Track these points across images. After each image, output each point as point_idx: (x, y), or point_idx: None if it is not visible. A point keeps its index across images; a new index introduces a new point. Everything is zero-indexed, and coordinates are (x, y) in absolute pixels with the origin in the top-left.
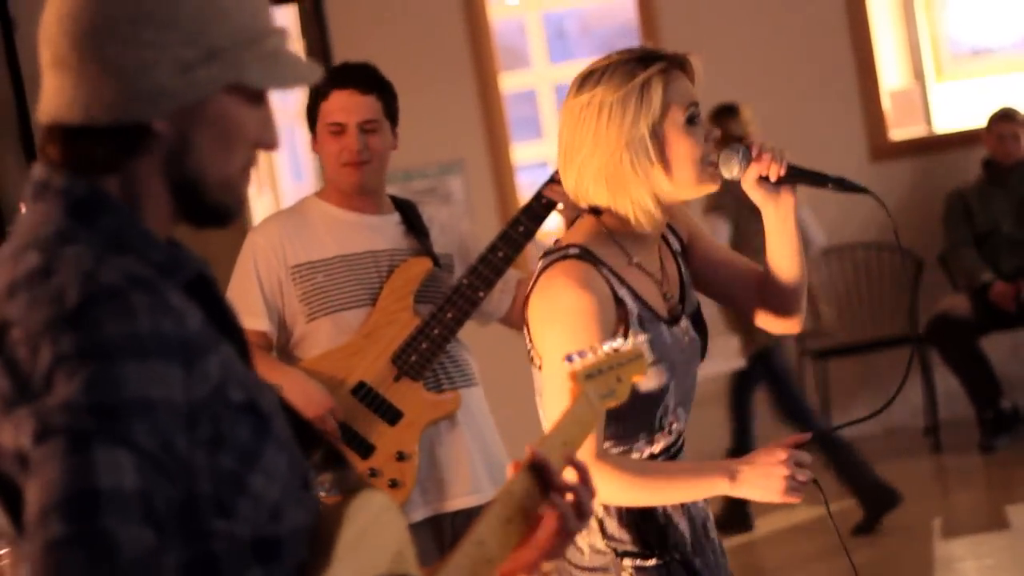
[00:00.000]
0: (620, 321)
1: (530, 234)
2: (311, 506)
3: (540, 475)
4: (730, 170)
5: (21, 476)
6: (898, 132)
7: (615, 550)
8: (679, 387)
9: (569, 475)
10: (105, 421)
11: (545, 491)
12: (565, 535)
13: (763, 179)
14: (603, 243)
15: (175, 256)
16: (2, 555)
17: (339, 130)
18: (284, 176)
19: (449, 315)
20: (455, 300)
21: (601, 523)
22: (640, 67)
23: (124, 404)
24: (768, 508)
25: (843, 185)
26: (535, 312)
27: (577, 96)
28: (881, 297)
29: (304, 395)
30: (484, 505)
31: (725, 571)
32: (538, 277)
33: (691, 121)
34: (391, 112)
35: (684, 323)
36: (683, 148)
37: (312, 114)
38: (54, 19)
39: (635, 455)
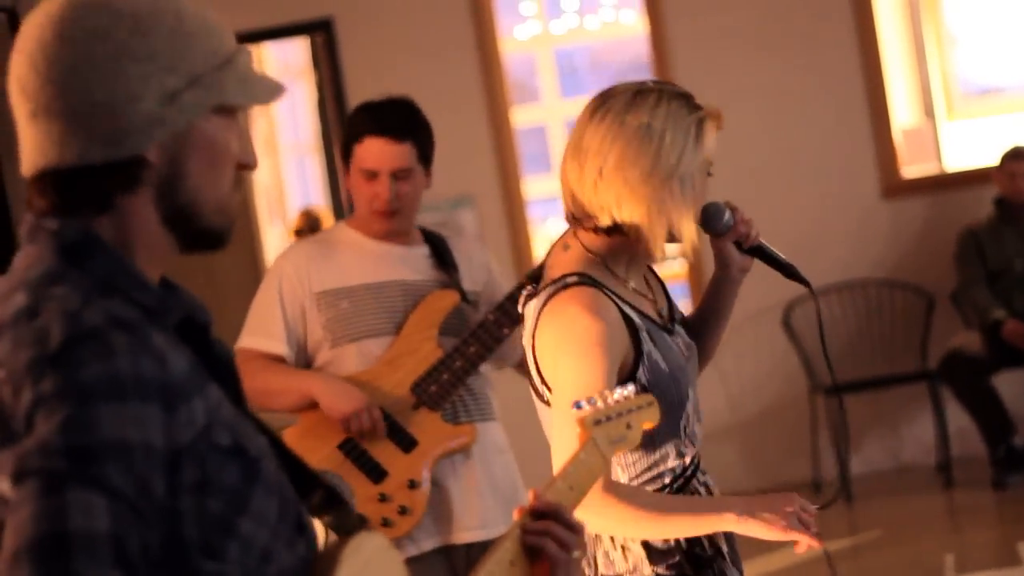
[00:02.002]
0: (634, 342)
1: None
2: (304, 549)
3: (544, 519)
4: (714, 225)
5: (4, 517)
6: (910, 170)
7: None
8: (692, 395)
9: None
10: (79, 463)
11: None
12: (562, 575)
13: (736, 242)
14: (599, 270)
15: (164, 299)
16: None
17: (371, 176)
18: (294, 206)
19: (472, 349)
20: (479, 335)
21: (647, 546)
22: (690, 104)
23: (99, 446)
24: (777, 542)
25: (791, 273)
26: (544, 342)
27: (632, 113)
28: (893, 334)
29: (341, 393)
30: (490, 544)
31: None
32: (540, 312)
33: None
34: (425, 155)
35: (679, 332)
36: (702, 196)
37: (347, 151)
38: (30, 71)
39: (669, 466)
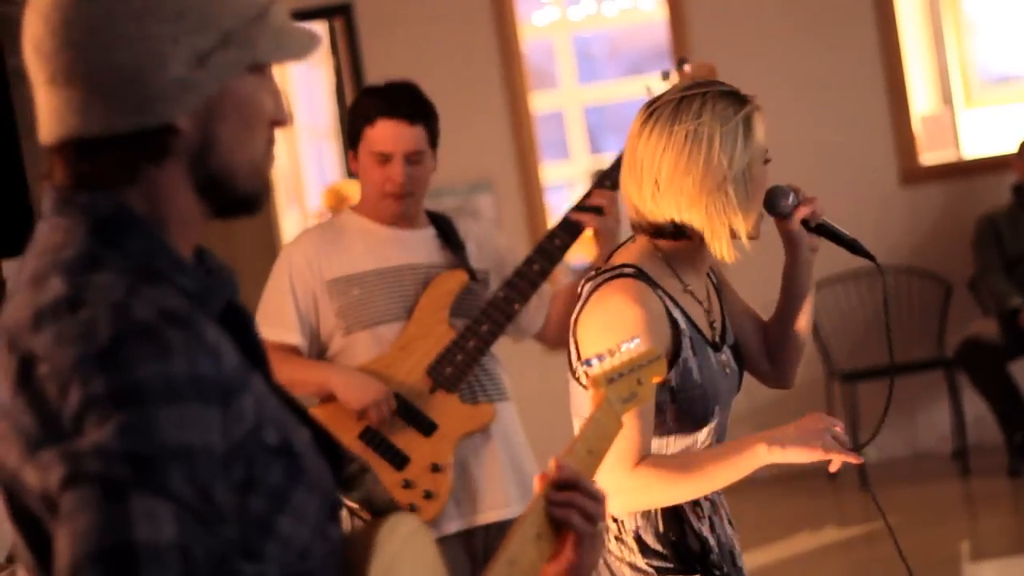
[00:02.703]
0: (674, 342)
1: (566, 247)
2: (337, 536)
3: (567, 487)
4: (780, 207)
5: (48, 517)
6: (929, 156)
7: (656, 568)
8: (720, 415)
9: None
10: (141, 469)
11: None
12: (589, 545)
13: (803, 222)
14: (657, 266)
15: (207, 282)
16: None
17: (384, 159)
18: (312, 191)
19: (484, 328)
20: (491, 313)
21: (640, 541)
22: (736, 101)
23: (161, 451)
24: (793, 528)
25: (856, 248)
26: (586, 327)
27: (678, 122)
28: (911, 321)
29: (358, 384)
30: (509, 524)
31: None
32: (589, 296)
33: (766, 162)
34: (434, 138)
35: (726, 352)
36: (762, 185)
37: (355, 134)
38: (46, 32)
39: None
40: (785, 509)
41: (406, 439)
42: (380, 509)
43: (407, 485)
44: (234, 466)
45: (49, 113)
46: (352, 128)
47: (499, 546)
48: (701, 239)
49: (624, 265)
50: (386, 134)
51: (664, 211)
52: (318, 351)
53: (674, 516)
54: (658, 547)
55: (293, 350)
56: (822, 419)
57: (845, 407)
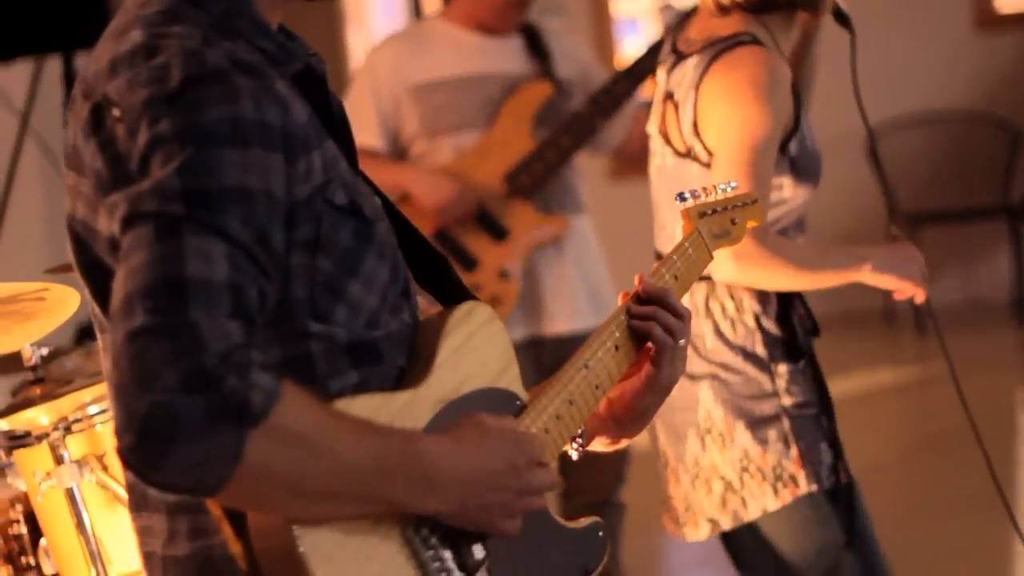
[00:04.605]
0: (795, 112)
1: (652, 70)
2: (410, 314)
3: (650, 302)
4: None
5: (112, 262)
6: (1005, 3)
7: (770, 352)
8: None
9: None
10: (198, 208)
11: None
12: (669, 360)
13: None
14: (763, 34)
15: (285, 46)
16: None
17: None
18: (375, 14)
19: (566, 140)
20: (573, 127)
21: (760, 324)
22: None
23: (219, 191)
24: (849, 367)
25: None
26: (716, 91)
27: None
28: (976, 167)
29: (433, 184)
30: (585, 332)
31: None
32: (711, 63)
33: None
34: None
35: None
36: None
37: None
38: None
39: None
40: (842, 348)
41: (477, 243)
42: (455, 299)
43: (474, 288)
44: (301, 223)
45: None
46: None
47: (570, 354)
48: (796, 9)
49: (740, 34)
50: None
51: None
52: (397, 154)
53: (786, 304)
54: (776, 332)
55: (371, 152)
56: (915, 250)
57: None
